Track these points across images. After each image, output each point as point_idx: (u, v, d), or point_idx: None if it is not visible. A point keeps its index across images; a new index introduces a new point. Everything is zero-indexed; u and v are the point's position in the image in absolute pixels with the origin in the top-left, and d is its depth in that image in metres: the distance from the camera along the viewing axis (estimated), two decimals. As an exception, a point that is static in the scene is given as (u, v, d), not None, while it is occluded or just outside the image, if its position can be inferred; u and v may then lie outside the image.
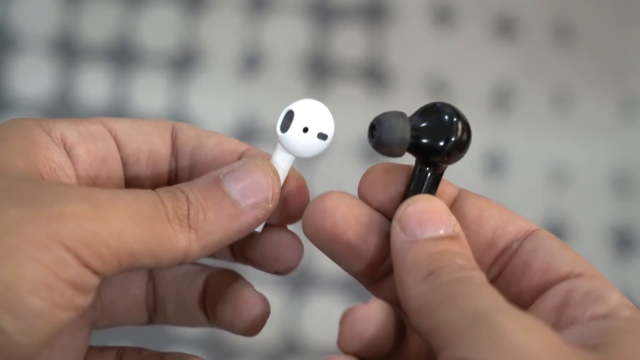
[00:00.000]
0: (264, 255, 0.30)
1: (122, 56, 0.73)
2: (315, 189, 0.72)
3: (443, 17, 0.75)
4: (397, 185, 0.27)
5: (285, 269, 0.30)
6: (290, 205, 0.29)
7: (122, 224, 0.23)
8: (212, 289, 0.31)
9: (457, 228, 0.25)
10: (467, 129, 0.26)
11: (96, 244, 0.23)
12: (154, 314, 0.32)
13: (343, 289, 0.67)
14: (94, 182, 0.28)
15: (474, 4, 0.75)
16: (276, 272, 0.30)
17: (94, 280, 0.23)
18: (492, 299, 0.22)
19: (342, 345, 0.24)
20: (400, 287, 0.24)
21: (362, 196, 0.27)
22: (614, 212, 0.71)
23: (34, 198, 0.23)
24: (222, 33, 0.74)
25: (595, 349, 0.22)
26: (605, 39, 0.75)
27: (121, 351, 0.30)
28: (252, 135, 0.71)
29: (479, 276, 0.23)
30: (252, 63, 0.73)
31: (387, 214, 0.27)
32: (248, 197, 0.26)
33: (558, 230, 0.70)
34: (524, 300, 0.26)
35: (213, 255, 0.31)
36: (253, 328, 0.30)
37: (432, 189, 0.27)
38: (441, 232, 0.24)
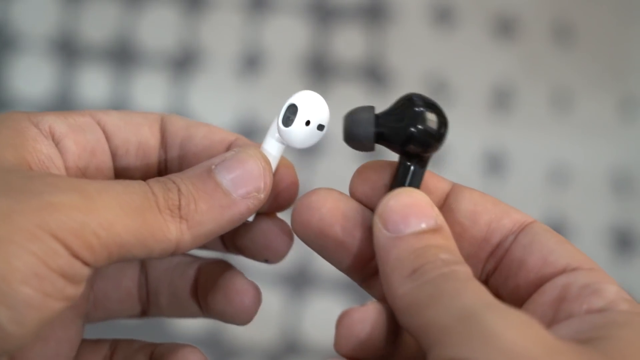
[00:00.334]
0: (253, 243, 0.30)
1: (122, 56, 0.73)
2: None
3: (443, 17, 0.75)
4: (385, 180, 0.27)
5: (275, 256, 0.30)
6: (280, 193, 0.29)
7: (112, 214, 0.23)
8: (204, 278, 0.31)
9: (440, 219, 0.25)
10: (436, 118, 0.25)
11: (85, 234, 0.22)
12: (147, 305, 0.32)
13: (343, 289, 0.67)
14: (83, 174, 0.28)
15: (474, 4, 0.75)
16: (266, 260, 0.30)
17: (84, 271, 0.23)
18: (479, 295, 0.22)
19: (339, 348, 0.24)
20: (386, 285, 0.24)
21: (353, 193, 0.27)
22: (614, 212, 0.71)
23: (23, 189, 0.23)
24: (222, 33, 0.74)
25: (588, 342, 0.22)
26: (605, 39, 0.75)
27: (115, 343, 0.31)
28: (253, 135, 0.71)
29: (464, 270, 0.23)
30: (252, 63, 0.73)
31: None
32: (240, 187, 0.26)
33: (558, 230, 0.69)
34: (520, 295, 0.25)
35: (204, 246, 0.31)
36: (245, 316, 0.30)
37: (414, 182, 0.26)
38: (423, 225, 0.24)
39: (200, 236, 0.26)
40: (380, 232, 0.25)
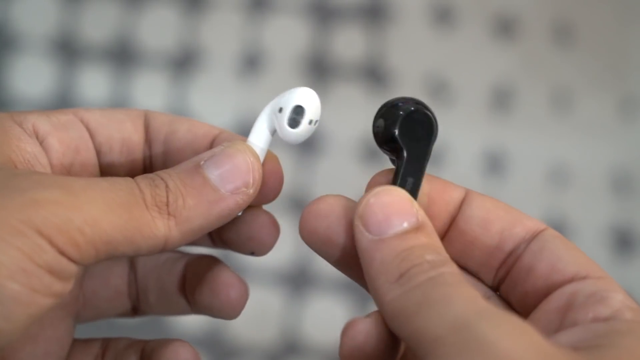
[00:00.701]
0: (239, 235, 0.30)
1: (122, 56, 0.73)
2: (315, 189, 0.72)
3: (443, 17, 0.75)
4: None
5: (261, 249, 0.30)
6: (265, 186, 0.28)
7: (97, 211, 0.23)
8: (191, 273, 0.31)
9: (421, 215, 0.24)
10: (385, 116, 0.26)
11: (70, 230, 0.22)
12: (138, 303, 0.32)
13: (343, 289, 0.67)
14: (68, 171, 0.28)
15: (474, 4, 0.75)
16: (252, 253, 0.30)
17: (71, 268, 0.23)
18: (470, 301, 0.22)
19: (344, 359, 0.24)
20: (373, 290, 0.24)
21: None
22: (614, 212, 0.71)
23: (7, 186, 0.23)
24: (222, 33, 0.74)
25: (587, 350, 0.21)
26: (605, 39, 0.75)
27: (105, 342, 0.30)
28: (252, 135, 0.71)
29: (452, 272, 0.23)
30: (252, 63, 0.73)
31: None
32: (228, 182, 0.26)
33: (558, 230, 0.69)
34: (529, 302, 0.25)
35: (192, 242, 0.31)
36: (232, 310, 0.30)
37: (406, 181, 0.26)
38: (405, 225, 0.24)
39: (189, 232, 0.25)
40: (363, 235, 0.24)
